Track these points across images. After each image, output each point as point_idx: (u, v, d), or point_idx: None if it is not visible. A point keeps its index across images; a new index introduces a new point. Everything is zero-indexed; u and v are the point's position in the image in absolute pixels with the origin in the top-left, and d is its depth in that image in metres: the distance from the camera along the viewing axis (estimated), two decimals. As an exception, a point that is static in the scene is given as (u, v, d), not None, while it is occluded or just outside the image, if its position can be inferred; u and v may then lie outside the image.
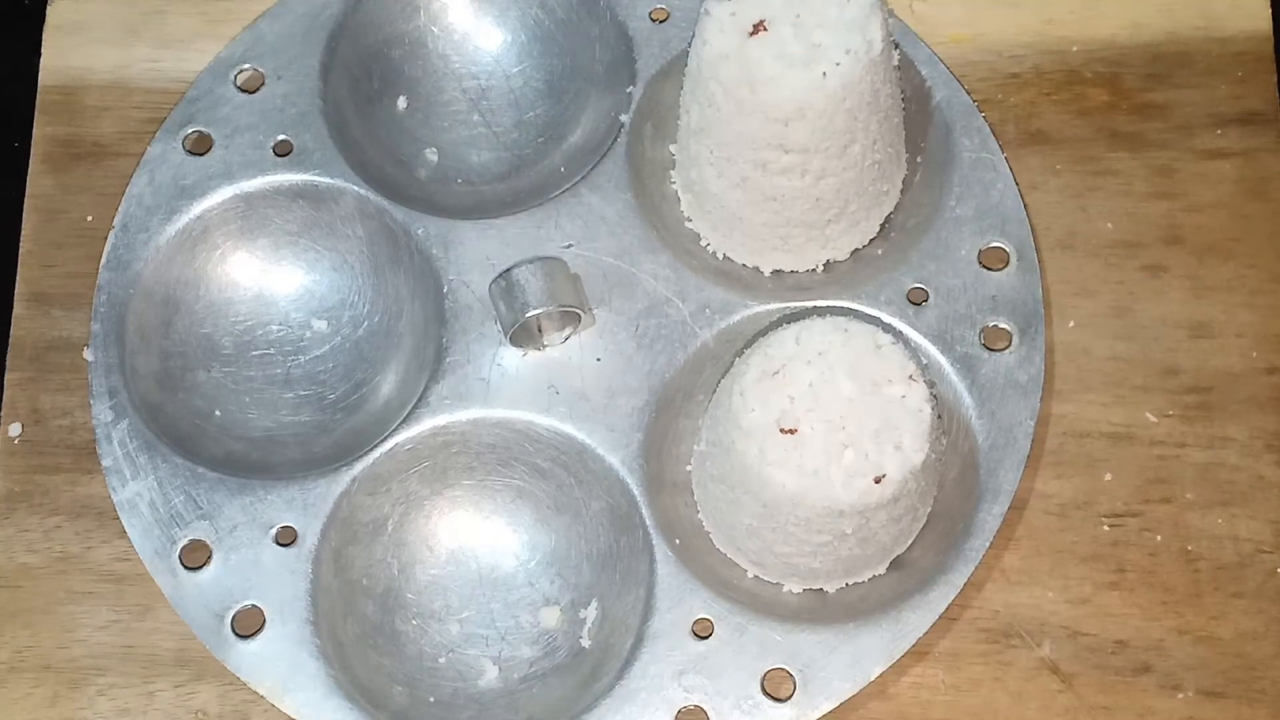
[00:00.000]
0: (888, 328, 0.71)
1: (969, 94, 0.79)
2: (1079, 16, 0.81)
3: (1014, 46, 0.81)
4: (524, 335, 0.74)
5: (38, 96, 0.82)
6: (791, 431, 0.65)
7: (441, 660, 0.73)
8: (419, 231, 0.77)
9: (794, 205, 0.73)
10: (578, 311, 0.74)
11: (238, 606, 0.72)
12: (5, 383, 0.78)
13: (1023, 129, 0.79)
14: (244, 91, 0.80)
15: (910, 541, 0.72)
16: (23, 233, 0.80)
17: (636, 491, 0.73)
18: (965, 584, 0.71)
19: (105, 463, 0.74)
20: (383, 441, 0.74)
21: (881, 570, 0.72)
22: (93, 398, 0.75)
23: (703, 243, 0.77)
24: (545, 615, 0.73)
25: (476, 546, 0.75)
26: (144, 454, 0.74)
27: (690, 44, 0.72)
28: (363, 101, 0.81)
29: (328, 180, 0.78)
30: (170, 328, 0.78)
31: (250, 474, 0.74)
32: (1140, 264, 0.77)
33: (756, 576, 0.72)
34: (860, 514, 0.66)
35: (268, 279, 0.79)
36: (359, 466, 0.73)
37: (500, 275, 0.74)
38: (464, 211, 0.78)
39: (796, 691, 0.69)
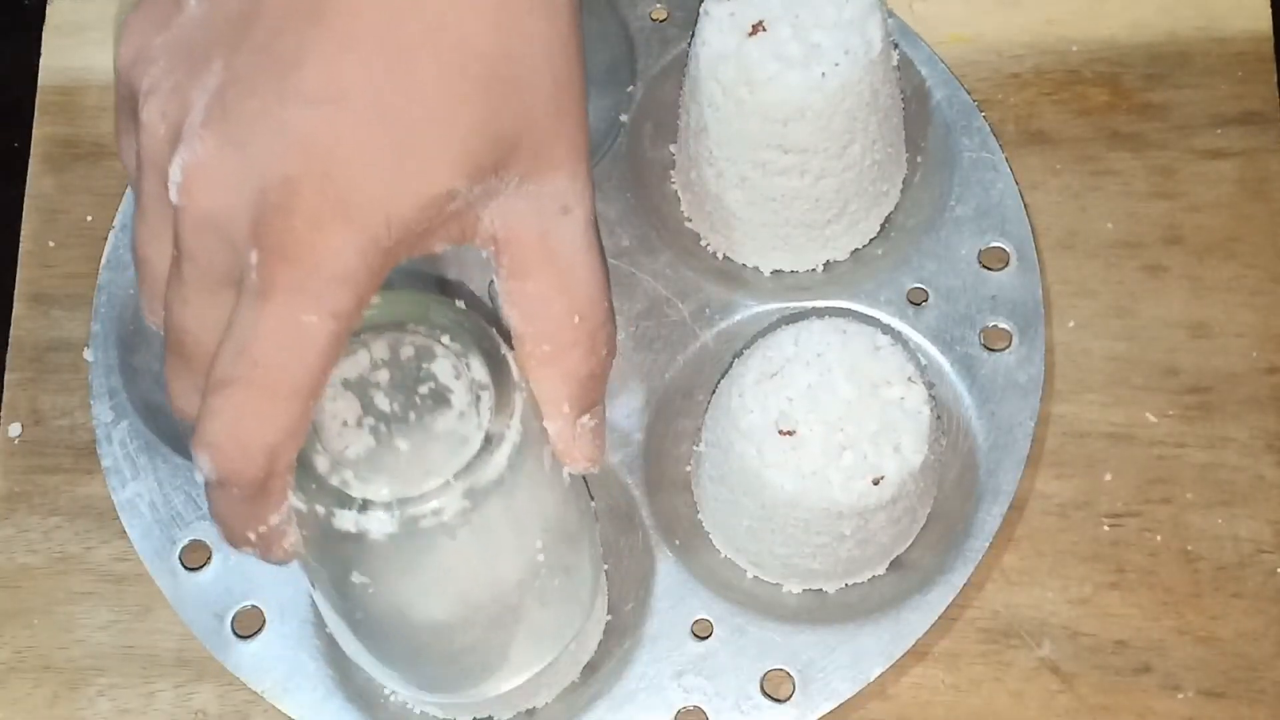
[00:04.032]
0: (887, 328, 0.71)
1: (969, 94, 0.79)
2: (1079, 16, 0.81)
3: (1014, 46, 0.81)
4: (524, 335, 0.74)
5: (37, 96, 0.82)
6: (790, 433, 0.65)
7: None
8: (419, 232, 0.77)
9: (793, 205, 0.73)
10: (577, 312, 0.74)
11: (238, 607, 0.71)
12: (5, 383, 0.78)
13: (1023, 129, 0.79)
14: (244, 91, 0.80)
15: (910, 542, 0.72)
16: (23, 233, 0.80)
17: (636, 491, 0.73)
18: (965, 584, 0.71)
19: (105, 463, 0.74)
20: (382, 442, 0.74)
21: (881, 571, 0.72)
22: (93, 398, 0.75)
23: (702, 243, 0.77)
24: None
25: (476, 547, 0.75)
26: (144, 454, 0.74)
27: (690, 44, 0.73)
28: (363, 101, 0.81)
29: (327, 180, 0.78)
30: (170, 328, 0.77)
31: (250, 474, 0.74)
32: (1140, 264, 0.77)
33: (756, 577, 0.72)
34: (859, 515, 0.66)
35: (268, 279, 0.79)
36: (359, 467, 0.73)
37: (500, 275, 0.74)
38: (464, 211, 0.78)
39: (796, 692, 0.69)
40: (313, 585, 0.61)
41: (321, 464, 0.54)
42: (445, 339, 0.56)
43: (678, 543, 0.72)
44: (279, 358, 0.51)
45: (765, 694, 0.69)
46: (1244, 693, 0.71)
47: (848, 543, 0.68)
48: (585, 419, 0.58)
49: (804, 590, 0.72)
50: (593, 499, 0.71)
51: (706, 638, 0.70)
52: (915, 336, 0.74)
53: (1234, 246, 0.77)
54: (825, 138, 0.70)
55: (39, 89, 0.83)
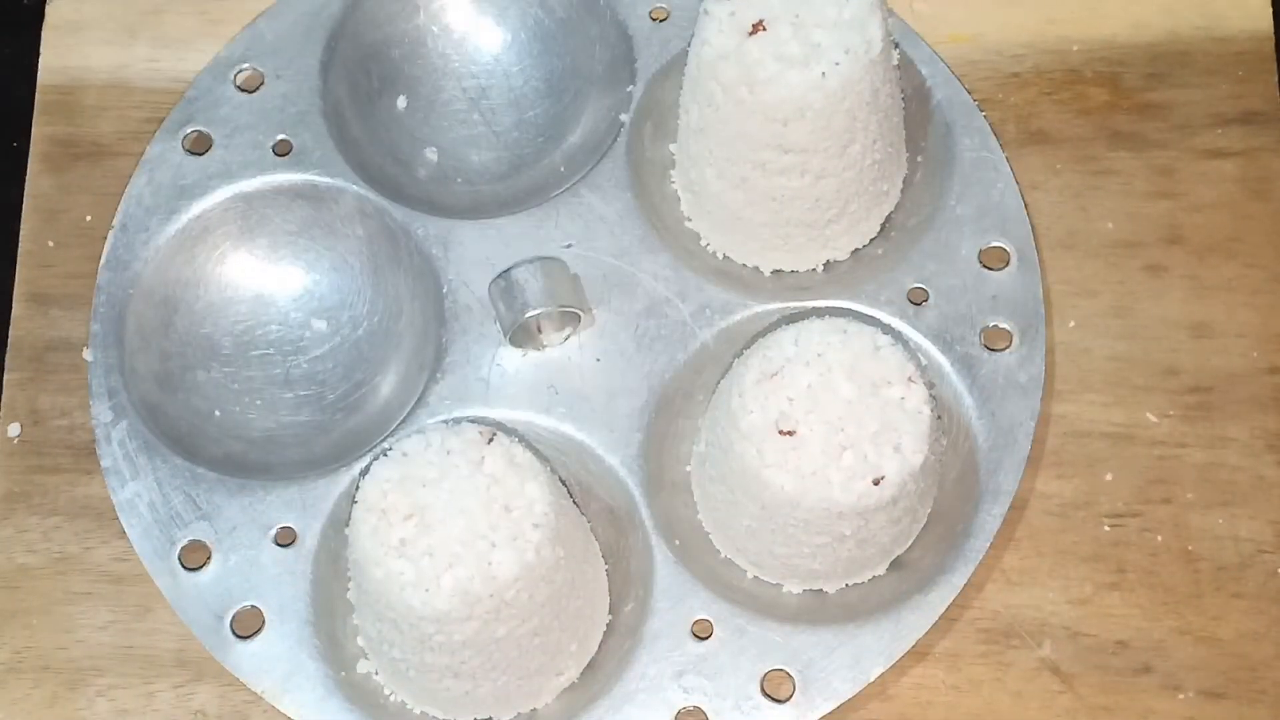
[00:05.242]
0: (887, 328, 0.71)
1: (969, 93, 0.79)
2: (1079, 16, 0.81)
3: (1014, 46, 0.81)
4: (524, 335, 0.74)
5: (37, 96, 0.82)
6: (790, 433, 0.65)
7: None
8: (419, 231, 0.77)
9: (794, 205, 0.73)
10: (577, 312, 0.74)
11: (237, 607, 0.71)
12: (4, 383, 0.78)
13: (1023, 128, 0.79)
14: (243, 91, 0.80)
15: (910, 542, 0.72)
16: (22, 233, 0.80)
17: (636, 492, 0.73)
18: (965, 584, 0.71)
19: (104, 463, 0.74)
20: (382, 442, 0.74)
21: (881, 571, 0.72)
22: (92, 398, 0.75)
23: (703, 242, 0.77)
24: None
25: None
26: (143, 454, 0.74)
27: (690, 43, 0.72)
28: (362, 101, 0.81)
29: (327, 180, 0.78)
30: (170, 328, 0.78)
31: (250, 474, 0.74)
32: (1141, 264, 0.77)
33: (756, 577, 0.72)
34: (859, 516, 0.66)
35: (267, 279, 0.79)
36: (359, 467, 0.73)
37: (500, 275, 0.74)
38: (464, 211, 0.78)
39: (796, 692, 0.69)
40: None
41: None
42: None
43: (678, 543, 0.72)
44: None
45: (765, 694, 0.69)
46: (1245, 693, 0.71)
47: (848, 543, 0.68)
48: None
49: (804, 590, 0.72)
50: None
51: (706, 638, 0.70)
52: (915, 336, 0.74)
53: (1234, 246, 0.77)
54: (825, 137, 0.70)
55: (38, 88, 0.83)
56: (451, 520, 0.64)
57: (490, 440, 0.65)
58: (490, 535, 0.63)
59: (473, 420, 0.73)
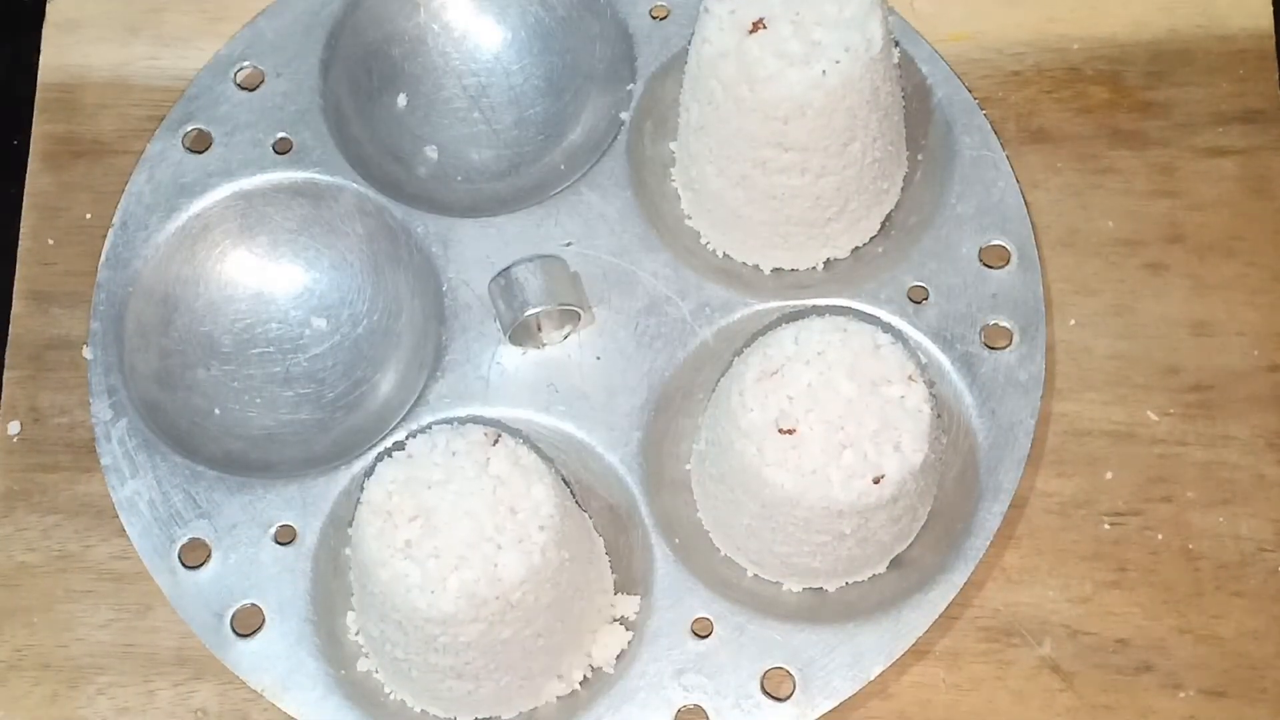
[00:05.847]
0: (887, 327, 0.71)
1: (970, 92, 0.78)
2: (1080, 14, 0.81)
3: (1015, 44, 0.81)
4: (523, 334, 0.74)
5: (37, 94, 0.82)
6: (790, 432, 0.65)
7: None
8: (418, 229, 0.77)
9: (794, 203, 0.73)
10: (577, 310, 0.74)
11: (237, 605, 0.71)
12: (4, 381, 0.78)
13: (1024, 127, 0.79)
14: (243, 89, 0.80)
15: (910, 540, 0.72)
16: (22, 230, 0.80)
17: (636, 491, 0.73)
18: (966, 583, 0.71)
19: (104, 461, 0.74)
20: (382, 440, 0.74)
21: (881, 569, 0.72)
22: (92, 396, 0.75)
23: (703, 241, 0.77)
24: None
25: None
26: (143, 452, 0.74)
27: (690, 41, 0.72)
28: (363, 99, 0.81)
29: (327, 178, 0.78)
30: (170, 326, 0.78)
31: (249, 472, 0.74)
32: (1141, 262, 0.77)
33: (756, 576, 0.72)
34: (859, 514, 0.66)
35: (267, 277, 0.79)
36: (358, 465, 0.73)
37: (500, 273, 0.74)
38: (464, 209, 0.78)
39: (796, 691, 0.69)
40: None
41: None
42: None
43: (677, 542, 0.72)
44: None
45: (766, 692, 0.69)
46: (1245, 692, 0.71)
47: (848, 541, 0.68)
48: None
49: (804, 589, 0.72)
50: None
51: (707, 636, 0.70)
52: (916, 335, 0.74)
53: (1235, 245, 0.77)
54: (826, 135, 0.70)
55: (38, 86, 0.83)
56: (457, 522, 0.64)
57: (495, 442, 0.65)
58: (496, 537, 0.63)
59: (472, 419, 0.73)
